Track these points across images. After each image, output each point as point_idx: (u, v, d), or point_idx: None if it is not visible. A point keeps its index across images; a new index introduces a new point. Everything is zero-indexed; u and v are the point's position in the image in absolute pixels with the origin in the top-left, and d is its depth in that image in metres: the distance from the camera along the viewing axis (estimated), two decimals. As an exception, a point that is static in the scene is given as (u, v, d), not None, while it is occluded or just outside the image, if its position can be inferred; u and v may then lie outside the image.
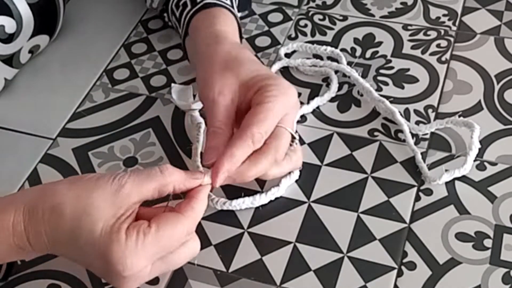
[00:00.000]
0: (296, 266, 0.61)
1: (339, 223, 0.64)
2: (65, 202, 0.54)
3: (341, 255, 0.62)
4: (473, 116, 0.72)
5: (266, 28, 0.85)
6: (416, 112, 0.73)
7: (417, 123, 0.71)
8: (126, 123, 0.76)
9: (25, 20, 0.77)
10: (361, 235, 0.63)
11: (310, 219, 0.65)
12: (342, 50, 0.80)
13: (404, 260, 0.61)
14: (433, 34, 0.81)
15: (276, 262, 0.62)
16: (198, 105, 0.74)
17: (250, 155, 0.60)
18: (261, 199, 0.65)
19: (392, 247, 0.62)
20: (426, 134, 0.70)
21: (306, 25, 0.84)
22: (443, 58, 0.78)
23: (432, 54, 0.79)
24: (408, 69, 0.77)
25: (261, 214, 0.66)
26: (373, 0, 0.87)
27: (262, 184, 0.67)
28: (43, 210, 0.54)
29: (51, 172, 0.71)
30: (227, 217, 0.66)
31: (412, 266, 0.61)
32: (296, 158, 0.65)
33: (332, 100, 0.75)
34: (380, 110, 0.73)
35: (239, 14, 0.78)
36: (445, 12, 0.84)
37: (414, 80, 0.76)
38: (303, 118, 0.73)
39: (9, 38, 0.77)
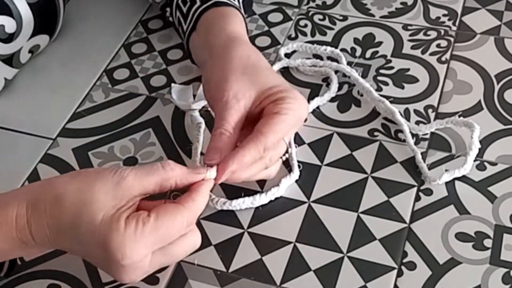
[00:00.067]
0: (296, 266, 0.61)
1: (339, 223, 0.64)
2: (66, 193, 0.55)
3: (341, 255, 0.62)
4: (473, 116, 0.72)
5: (266, 28, 0.85)
6: (416, 112, 0.73)
7: (417, 123, 0.71)
8: (126, 123, 0.76)
9: (25, 20, 0.77)
10: (361, 235, 0.63)
11: (310, 219, 0.65)
12: (342, 50, 0.80)
13: (404, 260, 0.61)
14: (433, 34, 0.81)
15: (276, 262, 0.62)
16: (198, 105, 0.74)
17: None
18: (261, 199, 0.65)
19: (392, 247, 0.62)
20: (426, 134, 0.70)
21: (306, 25, 0.84)
22: (443, 58, 0.78)
23: (432, 54, 0.79)
24: (408, 69, 0.77)
25: (261, 214, 0.66)
26: (373, 0, 0.86)
27: (262, 184, 0.67)
28: (45, 203, 0.55)
29: (51, 172, 0.71)
30: (227, 217, 0.66)
31: (412, 266, 0.61)
32: (274, 168, 0.65)
33: (332, 100, 0.75)
34: (380, 110, 0.73)
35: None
36: (445, 12, 0.84)
37: (414, 80, 0.76)
38: (303, 118, 0.74)
39: (9, 38, 0.77)
